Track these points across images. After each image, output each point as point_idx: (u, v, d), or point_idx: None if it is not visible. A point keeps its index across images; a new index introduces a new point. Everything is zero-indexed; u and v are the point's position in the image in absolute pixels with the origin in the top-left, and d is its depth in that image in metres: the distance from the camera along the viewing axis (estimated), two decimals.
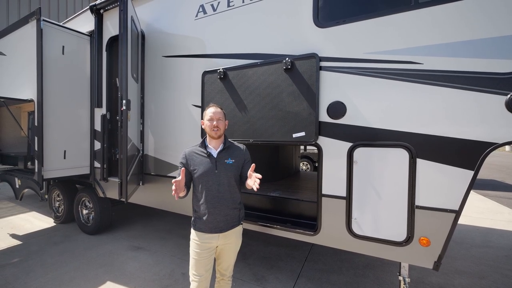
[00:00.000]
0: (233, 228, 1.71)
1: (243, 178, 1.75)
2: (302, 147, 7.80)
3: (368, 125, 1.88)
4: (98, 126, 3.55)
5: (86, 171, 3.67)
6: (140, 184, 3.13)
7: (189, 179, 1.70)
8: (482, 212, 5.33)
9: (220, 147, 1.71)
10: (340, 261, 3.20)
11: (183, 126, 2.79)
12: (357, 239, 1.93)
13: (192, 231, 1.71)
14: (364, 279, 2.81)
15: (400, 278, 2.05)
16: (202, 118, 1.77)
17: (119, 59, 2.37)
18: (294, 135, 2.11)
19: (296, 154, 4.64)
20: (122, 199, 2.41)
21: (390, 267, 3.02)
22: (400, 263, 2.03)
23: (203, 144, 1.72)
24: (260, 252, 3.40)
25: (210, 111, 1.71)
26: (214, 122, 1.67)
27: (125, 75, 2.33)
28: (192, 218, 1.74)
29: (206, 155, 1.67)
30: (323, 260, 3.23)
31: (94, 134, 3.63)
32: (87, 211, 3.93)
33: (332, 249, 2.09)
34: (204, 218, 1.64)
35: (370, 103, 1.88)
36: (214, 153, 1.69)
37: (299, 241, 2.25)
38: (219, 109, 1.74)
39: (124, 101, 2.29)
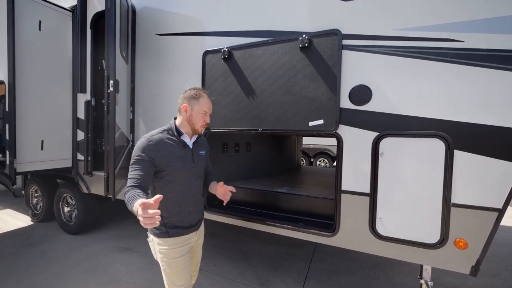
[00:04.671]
0: (202, 220, 1.61)
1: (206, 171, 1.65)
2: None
3: (397, 112, 1.66)
4: (81, 114, 3.17)
5: (68, 164, 3.28)
6: None
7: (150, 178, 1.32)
8: None
9: (194, 137, 1.48)
10: (347, 260, 3.02)
11: None
12: (382, 240, 1.72)
13: (166, 240, 1.38)
14: (375, 280, 2.63)
15: (422, 281, 1.87)
16: (186, 102, 1.40)
17: (105, 33, 2.02)
18: (311, 123, 1.86)
19: (298, 147, 4.42)
20: (108, 196, 2.09)
21: (400, 266, 2.87)
22: (421, 265, 1.84)
23: (177, 132, 1.40)
24: (262, 252, 3.17)
25: (207, 103, 1.43)
26: (208, 119, 1.45)
27: (112, 51, 1.99)
28: (161, 226, 1.37)
29: (182, 146, 1.40)
30: (329, 259, 3.03)
31: (77, 123, 3.25)
32: (69, 209, 3.55)
33: (337, 247, 1.87)
34: (182, 220, 1.42)
35: (400, 87, 1.65)
36: (190, 144, 1.44)
37: (303, 240, 2.01)
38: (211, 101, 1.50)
39: (111, 82, 1.95)
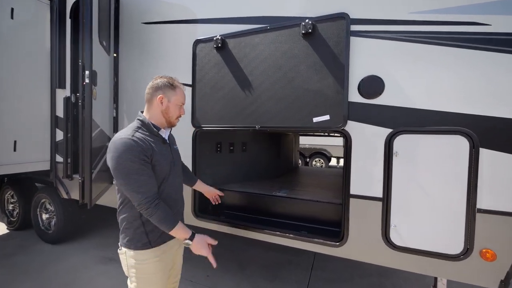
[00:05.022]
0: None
1: None
2: None
3: (413, 106, 1.47)
4: (60, 112, 2.88)
5: (46, 166, 2.99)
6: (114, 183, 2.54)
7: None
8: None
9: (168, 131, 1.32)
10: (349, 267, 2.82)
11: None
12: (396, 251, 1.52)
13: (146, 251, 1.19)
14: None
15: None
16: (161, 93, 1.22)
17: (79, 16, 1.76)
18: (315, 119, 1.65)
19: (295, 147, 4.22)
20: (84, 203, 1.83)
21: (407, 273, 2.68)
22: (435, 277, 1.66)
23: (154, 127, 1.23)
24: (259, 260, 2.95)
25: (183, 94, 1.30)
26: (183, 110, 1.32)
27: (88, 37, 1.73)
28: (141, 236, 1.19)
29: (161, 142, 1.25)
30: (331, 267, 2.84)
31: (55, 121, 2.96)
32: (47, 216, 3.25)
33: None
34: None
35: (417, 77, 1.46)
36: (167, 138, 1.31)
37: None
38: None
39: (87, 72, 1.70)
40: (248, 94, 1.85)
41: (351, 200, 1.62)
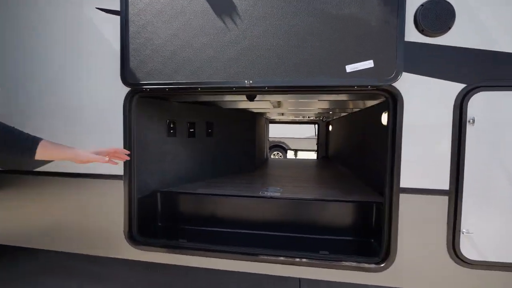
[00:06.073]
0: None
1: None
2: None
3: (500, 49, 0.97)
4: None
5: None
6: None
7: None
8: None
9: None
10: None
11: (77, 57, 1.24)
12: (469, 268, 1.02)
13: None
14: None
15: None
16: None
17: None
18: (350, 68, 1.00)
19: (266, 135, 3.55)
20: None
21: None
22: None
23: None
24: (241, 279, 2.19)
25: None
26: None
27: None
28: None
29: None
30: (325, 283, 2.30)
31: None
32: None
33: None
34: None
35: (507, 4, 0.96)
36: None
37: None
38: None
39: None
40: (229, 25, 1.06)
41: (401, 196, 1.04)
